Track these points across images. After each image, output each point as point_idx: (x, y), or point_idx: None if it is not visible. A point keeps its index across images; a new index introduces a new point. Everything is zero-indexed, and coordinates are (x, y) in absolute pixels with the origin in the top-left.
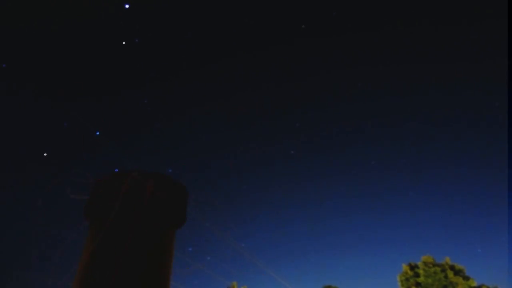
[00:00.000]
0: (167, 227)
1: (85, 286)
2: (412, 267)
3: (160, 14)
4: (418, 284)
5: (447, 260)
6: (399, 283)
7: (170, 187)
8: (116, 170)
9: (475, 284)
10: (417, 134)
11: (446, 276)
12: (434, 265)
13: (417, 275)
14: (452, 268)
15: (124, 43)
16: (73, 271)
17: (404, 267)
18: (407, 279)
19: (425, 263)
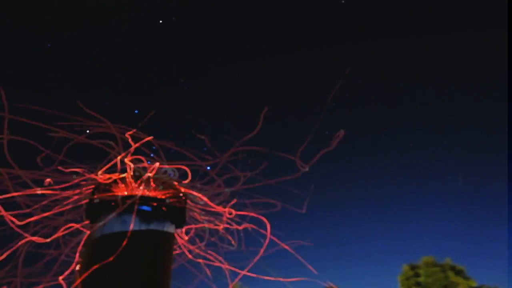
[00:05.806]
0: (167, 226)
1: (86, 286)
2: (413, 267)
3: None
4: (418, 284)
5: (448, 260)
6: (399, 283)
7: (170, 187)
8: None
9: (475, 284)
10: (417, 136)
11: (446, 276)
12: (435, 265)
13: (417, 275)
14: (452, 268)
15: (161, 21)
16: (73, 271)
17: (405, 267)
18: (407, 279)
19: (425, 264)
